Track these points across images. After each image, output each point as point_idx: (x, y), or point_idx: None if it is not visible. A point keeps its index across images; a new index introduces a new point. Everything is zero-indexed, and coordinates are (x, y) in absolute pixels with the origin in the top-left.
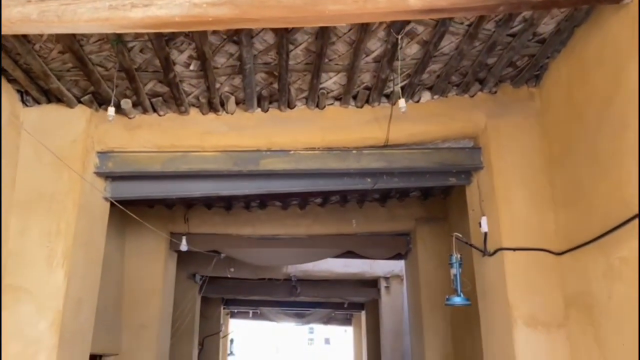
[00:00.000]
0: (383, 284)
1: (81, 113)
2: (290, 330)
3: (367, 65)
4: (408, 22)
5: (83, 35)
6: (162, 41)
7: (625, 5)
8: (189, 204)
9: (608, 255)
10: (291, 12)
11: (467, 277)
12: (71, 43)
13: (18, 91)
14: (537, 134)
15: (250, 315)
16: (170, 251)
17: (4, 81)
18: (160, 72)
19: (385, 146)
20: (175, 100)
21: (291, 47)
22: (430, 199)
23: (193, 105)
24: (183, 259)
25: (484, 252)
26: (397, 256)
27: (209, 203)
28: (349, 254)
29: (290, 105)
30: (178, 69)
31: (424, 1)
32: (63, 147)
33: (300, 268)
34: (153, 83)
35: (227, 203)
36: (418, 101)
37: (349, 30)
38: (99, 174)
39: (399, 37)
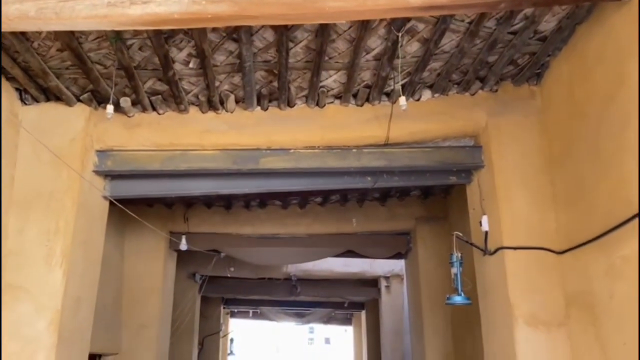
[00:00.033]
0: (383, 283)
1: (80, 111)
2: (291, 329)
3: (367, 63)
4: (408, 19)
5: (81, 32)
6: (161, 39)
7: (628, 2)
8: (188, 203)
9: (609, 254)
10: (291, 9)
11: (468, 276)
12: (70, 40)
13: (17, 89)
14: (538, 132)
15: (250, 314)
16: (170, 250)
17: (2, 79)
18: (160, 70)
19: (386, 145)
20: (174, 99)
21: (291, 44)
22: (431, 198)
23: (192, 104)
24: (183, 258)
25: (485, 251)
26: (398, 255)
27: (208, 202)
28: (349, 253)
29: (290, 104)
30: (177, 66)
31: None
32: (62, 146)
33: (300, 267)
34: (152, 81)
35: (226, 202)
36: (418, 99)
37: (349, 28)
38: (98, 172)
39: (400, 34)
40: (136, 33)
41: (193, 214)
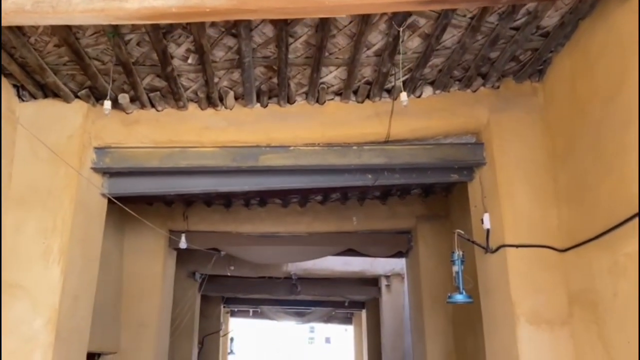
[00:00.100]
0: (384, 282)
1: (78, 108)
2: (291, 329)
3: (368, 59)
4: (410, 14)
5: (79, 27)
6: (160, 34)
7: None
8: (188, 201)
9: (613, 252)
10: (290, 3)
11: (469, 275)
12: (67, 36)
13: (14, 86)
14: (540, 129)
15: (251, 313)
16: (170, 249)
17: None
18: (158, 66)
19: (387, 142)
20: (173, 95)
21: (291, 40)
22: (432, 197)
23: (191, 100)
24: (182, 256)
25: (486, 249)
26: (398, 254)
27: (208, 200)
28: (350, 252)
29: (289, 101)
30: (176, 62)
31: None
32: (60, 143)
33: (301, 266)
34: (151, 77)
35: (226, 200)
36: (420, 96)
37: (350, 23)
38: (96, 169)
39: (401, 29)
40: (134, 28)
41: (193, 212)
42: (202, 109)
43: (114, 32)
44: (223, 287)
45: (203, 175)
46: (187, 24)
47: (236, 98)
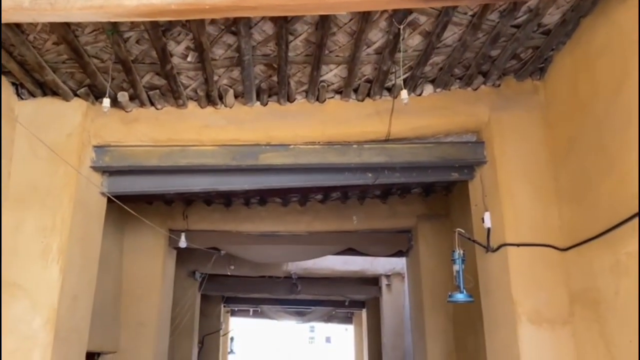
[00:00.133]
0: (384, 281)
1: (77, 106)
2: (291, 328)
3: (368, 57)
4: (410, 11)
5: (78, 25)
6: (159, 31)
7: None
8: (188, 201)
9: (614, 250)
10: (290, 0)
11: (470, 274)
12: (66, 33)
13: (13, 84)
14: (541, 127)
15: (251, 313)
16: (170, 248)
17: None
18: (157, 64)
19: (387, 140)
20: (172, 93)
21: (291, 37)
22: (432, 196)
23: (191, 99)
24: (182, 256)
25: (487, 248)
26: (399, 253)
27: (208, 199)
28: (350, 251)
29: (289, 99)
30: (175, 60)
31: None
32: (59, 141)
33: (301, 265)
34: (150, 75)
35: (226, 199)
36: (420, 94)
37: (350, 20)
38: (95, 168)
39: (401, 27)
40: (133, 25)
41: (192, 212)
42: (201, 107)
43: (113, 30)
44: (223, 286)
45: (203, 174)
46: (187, 21)
47: (236, 96)
